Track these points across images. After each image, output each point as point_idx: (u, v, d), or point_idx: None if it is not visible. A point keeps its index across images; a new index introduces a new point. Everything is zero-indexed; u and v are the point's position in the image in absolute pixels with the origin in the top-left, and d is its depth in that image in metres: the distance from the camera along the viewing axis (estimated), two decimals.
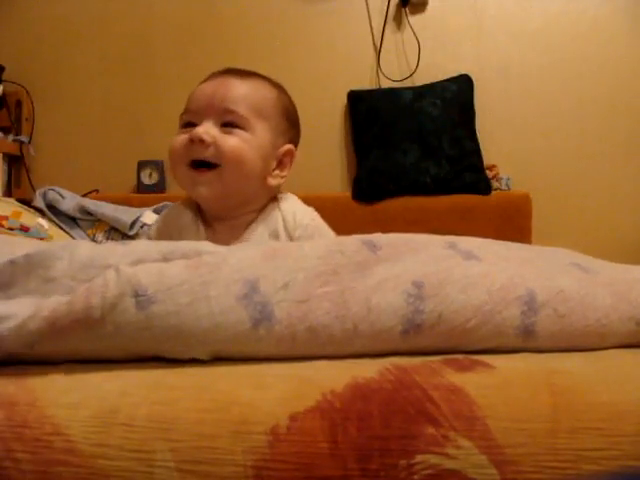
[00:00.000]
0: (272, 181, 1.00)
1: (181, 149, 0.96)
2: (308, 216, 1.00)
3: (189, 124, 0.97)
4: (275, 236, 0.98)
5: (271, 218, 1.00)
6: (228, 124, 0.95)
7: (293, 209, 1.00)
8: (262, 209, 1.01)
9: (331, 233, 1.01)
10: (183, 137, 0.96)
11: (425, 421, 0.45)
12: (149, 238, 1.07)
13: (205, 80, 1.01)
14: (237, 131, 0.95)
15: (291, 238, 0.97)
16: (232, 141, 0.94)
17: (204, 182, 0.95)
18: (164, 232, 1.04)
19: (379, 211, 2.07)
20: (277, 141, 1.00)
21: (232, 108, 0.95)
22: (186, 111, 0.99)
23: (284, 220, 0.99)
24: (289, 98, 1.06)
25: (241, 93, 0.97)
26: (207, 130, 0.94)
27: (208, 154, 0.94)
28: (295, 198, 1.05)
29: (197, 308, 0.52)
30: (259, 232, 0.98)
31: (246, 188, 0.98)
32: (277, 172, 1.01)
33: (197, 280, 0.54)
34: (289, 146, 1.02)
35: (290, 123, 1.04)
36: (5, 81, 2.21)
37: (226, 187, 0.96)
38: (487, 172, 2.11)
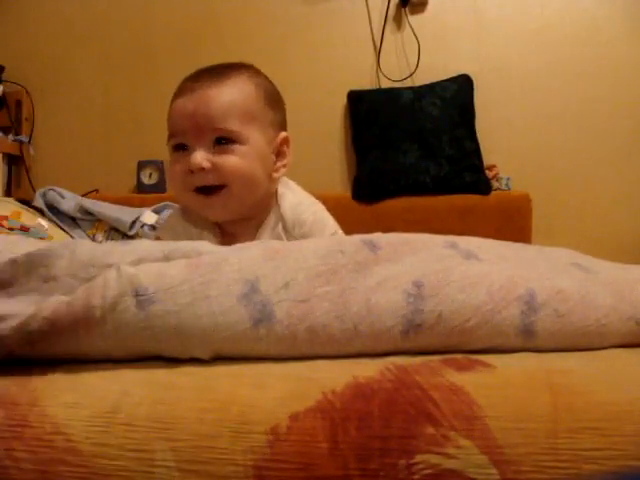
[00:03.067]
0: (277, 175, 1.00)
1: (182, 178, 0.95)
2: (309, 210, 0.99)
3: (180, 146, 0.96)
4: (277, 238, 0.97)
5: (273, 219, 1.00)
6: (221, 141, 0.93)
7: (292, 206, 0.99)
8: (268, 211, 1.00)
9: (332, 226, 1.00)
10: (181, 166, 0.94)
11: (425, 421, 0.45)
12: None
13: (179, 93, 0.97)
14: (232, 147, 0.93)
15: (292, 236, 0.97)
16: (231, 160, 0.93)
17: (215, 205, 0.95)
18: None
19: (379, 211, 2.07)
20: (270, 135, 0.99)
21: (221, 126, 0.93)
22: (172, 135, 0.96)
23: (283, 219, 0.98)
24: (264, 78, 1.03)
25: (224, 105, 0.93)
26: (204, 157, 0.92)
27: (211, 179, 0.93)
28: (294, 190, 1.03)
29: (197, 308, 0.52)
30: (265, 238, 0.98)
31: (256, 195, 0.98)
32: (279, 164, 1.00)
33: (197, 280, 0.54)
34: (283, 134, 1.01)
35: (275, 108, 1.01)
36: (5, 81, 2.21)
37: (237, 202, 0.96)
38: (487, 172, 2.11)
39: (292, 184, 1.05)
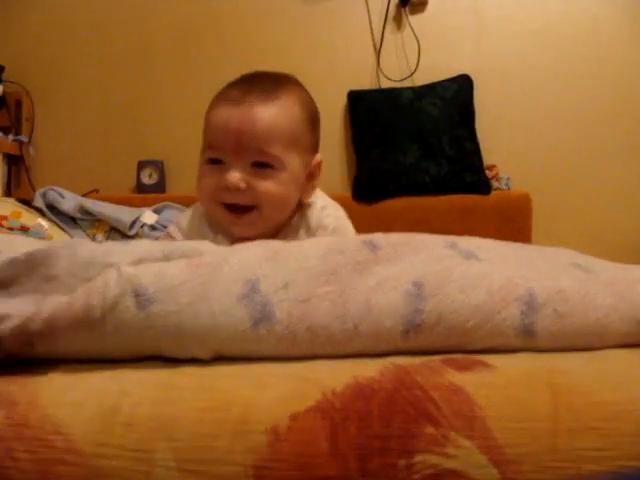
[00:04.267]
0: (307, 196, 0.99)
1: (214, 192, 0.93)
2: (332, 214, 0.99)
3: (216, 160, 0.93)
4: None
5: (295, 226, 1.00)
6: (260, 164, 0.91)
7: (318, 210, 0.99)
8: (289, 222, 1.00)
9: (351, 233, 0.99)
10: (214, 180, 0.92)
11: (425, 421, 0.45)
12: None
13: (224, 101, 0.93)
14: (270, 172, 0.91)
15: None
16: (267, 185, 0.91)
17: (245, 224, 0.94)
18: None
19: (379, 211, 2.07)
20: (307, 159, 0.98)
21: (264, 150, 0.90)
22: (210, 146, 0.93)
23: (308, 223, 0.98)
24: (309, 97, 1.01)
25: (270, 128, 0.90)
26: (241, 177, 0.90)
27: (243, 199, 0.92)
28: (320, 198, 1.02)
29: (198, 308, 0.52)
30: None
31: (285, 216, 0.97)
32: (308, 185, 0.99)
33: (198, 280, 0.54)
34: (318, 158, 1.00)
35: (314, 129, 1.00)
36: (5, 81, 2.21)
37: (265, 223, 0.95)
38: (487, 172, 2.11)
39: (318, 195, 1.03)
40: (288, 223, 1.00)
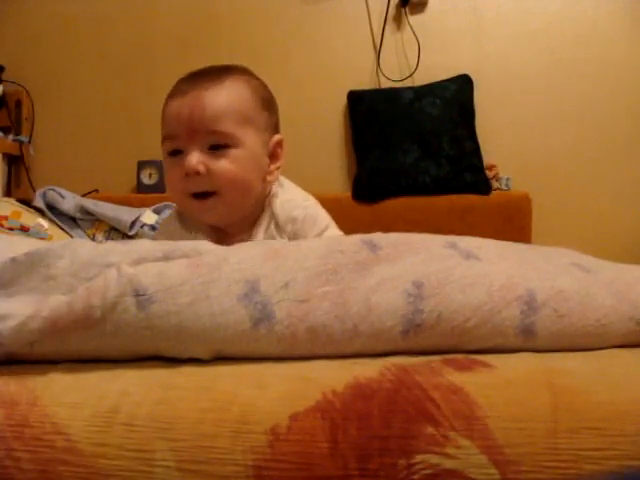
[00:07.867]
0: (270, 177, 1.00)
1: (179, 183, 0.95)
2: (300, 205, 0.99)
3: (175, 151, 0.95)
4: (271, 237, 0.98)
5: (267, 219, 1.00)
6: (215, 145, 0.93)
7: (283, 203, 0.99)
8: (261, 212, 1.00)
9: (322, 220, 0.99)
10: (177, 171, 0.94)
11: (425, 421, 0.45)
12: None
13: (174, 95, 0.97)
14: (226, 151, 0.93)
15: (284, 233, 0.97)
16: (223, 165, 0.93)
17: (208, 209, 0.95)
18: None
19: (379, 211, 2.07)
20: (265, 138, 0.99)
21: (215, 129, 0.92)
22: (167, 138, 0.96)
23: (275, 217, 0.98)
24: (260, 83, 1.02)
25: (219, 107, 0.93)
26: (199, 159, 0.92)
27: (204, 185, 0.93)
28: (286, 187, 1.03)
29: (197, 308, 0.52)
30: (259, 237, 0.98)
31: (249, 199, 0.98)
32: (272, 167, 1.00)
33: (197, 280, 0.54)
34: (277, 137, 1.01)
35: (270, 111, 1.01)
36: (5, 81, 2.21)
37: (230, 207, 0.96)
38: (487, 172, 2.11)
39: (285, 181, 1.04)
40: (258, 218, 1.00)
